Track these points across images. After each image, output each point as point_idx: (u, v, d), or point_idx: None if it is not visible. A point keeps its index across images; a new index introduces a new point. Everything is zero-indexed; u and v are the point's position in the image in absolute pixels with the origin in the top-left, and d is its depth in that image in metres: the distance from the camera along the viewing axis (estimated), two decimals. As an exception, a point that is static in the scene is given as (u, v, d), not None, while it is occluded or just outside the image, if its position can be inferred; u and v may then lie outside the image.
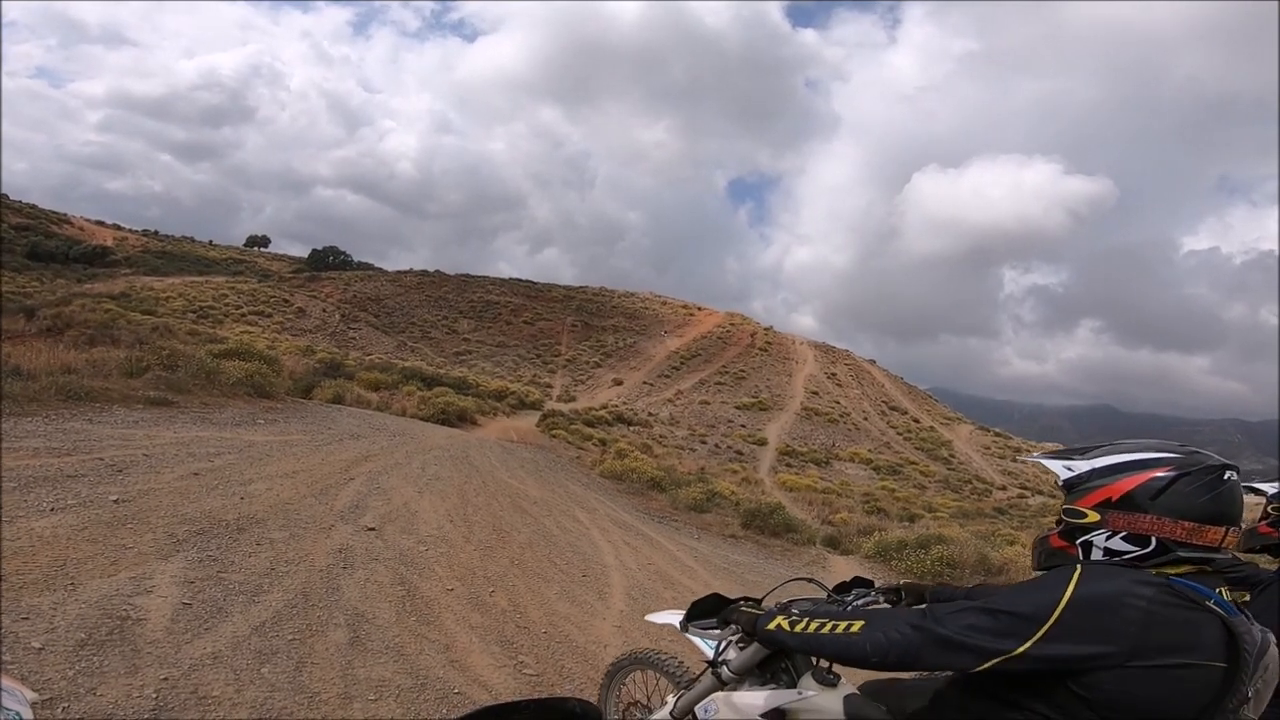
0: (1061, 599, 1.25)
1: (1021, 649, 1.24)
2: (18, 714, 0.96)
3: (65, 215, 79.55)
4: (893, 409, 55.06)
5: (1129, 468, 1.39)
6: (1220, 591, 1.30)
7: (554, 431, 21.16)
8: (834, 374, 59.55)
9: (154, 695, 2.58)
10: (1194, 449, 1.39)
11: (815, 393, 52.26)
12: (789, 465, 31.59)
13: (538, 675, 3.66)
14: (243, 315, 49.20)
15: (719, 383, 51.77)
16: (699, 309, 75.44)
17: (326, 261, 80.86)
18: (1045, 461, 1.53)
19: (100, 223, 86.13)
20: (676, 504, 11.73)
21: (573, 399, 43.25)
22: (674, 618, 2.11)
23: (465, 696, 3.19)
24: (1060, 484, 1.48)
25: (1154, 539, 1.33)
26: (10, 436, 5.35)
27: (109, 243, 72.71)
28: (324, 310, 56.66)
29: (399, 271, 76.68)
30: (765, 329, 69.95)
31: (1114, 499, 1.38)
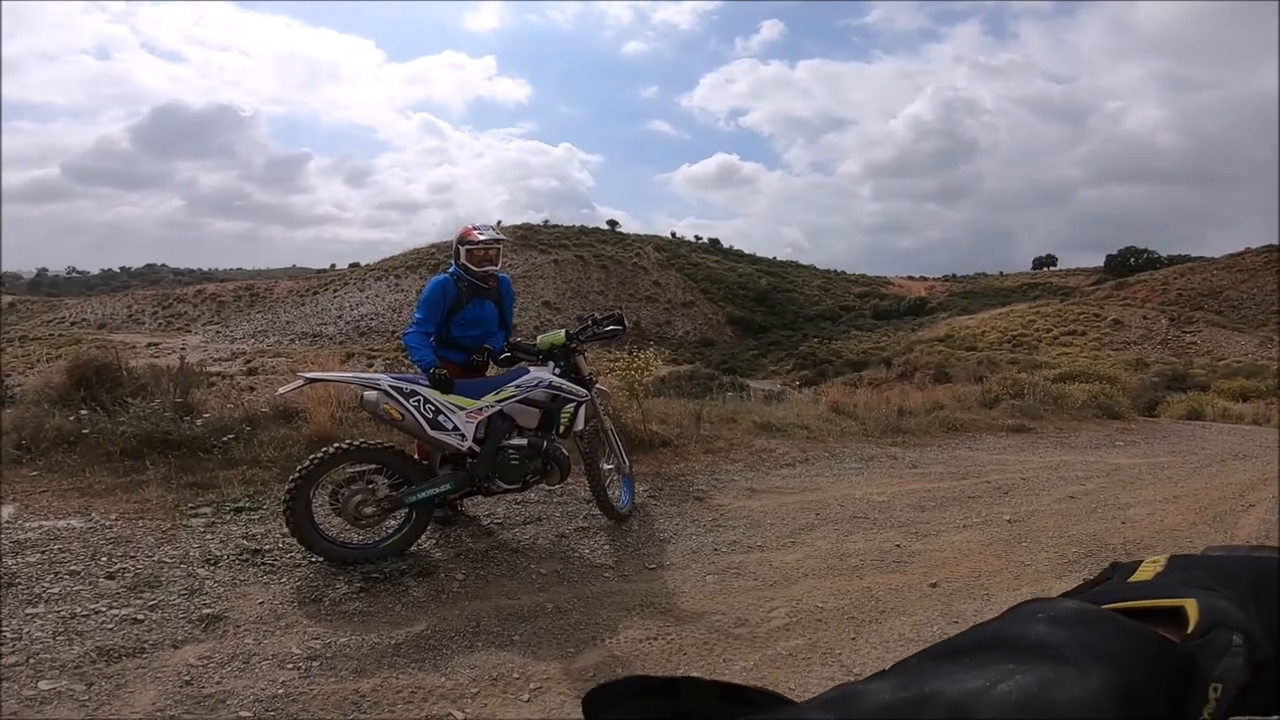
0: None
1: None
2: None
3: (886, 278, 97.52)
4: None
5: None
6: None
7: None
8: None
9: None
10: None
11: None
12: None
13: None
14: (1055, 337, 48.74)
15: None
16: None
17: (1128, 265, 71.80)
18: None
19: (909, 277, 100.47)
20: None
21: None
22: None
23: None
24: None
25: None
26: (921, 463, 6.59)
27: (922, 293, 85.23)
28: (1145, 317, 50.20)
29: (1231, 255, 60.69)
30: None
31: None
